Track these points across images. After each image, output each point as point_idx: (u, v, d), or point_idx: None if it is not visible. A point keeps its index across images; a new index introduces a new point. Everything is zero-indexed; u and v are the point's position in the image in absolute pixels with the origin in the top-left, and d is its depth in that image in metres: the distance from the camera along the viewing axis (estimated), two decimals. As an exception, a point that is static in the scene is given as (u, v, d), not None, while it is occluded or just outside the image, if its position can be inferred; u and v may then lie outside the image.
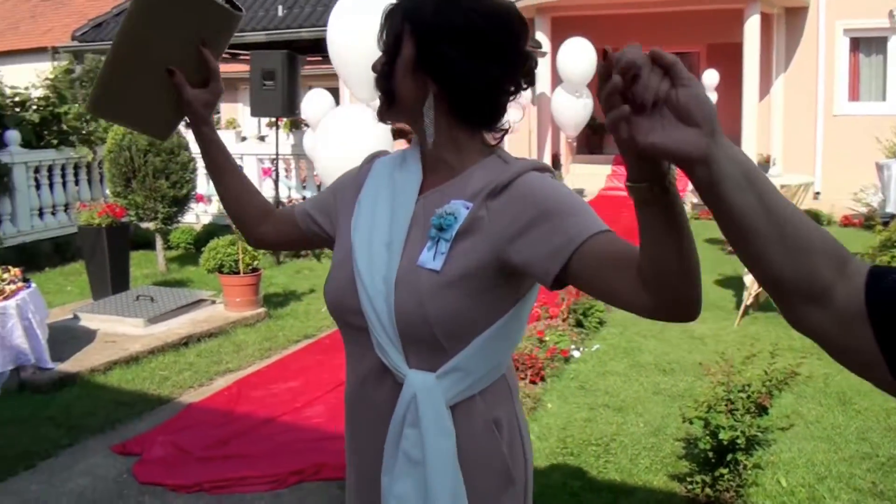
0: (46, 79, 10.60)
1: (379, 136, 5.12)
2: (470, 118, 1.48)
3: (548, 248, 1.35)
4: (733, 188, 0.93)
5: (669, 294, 1.20)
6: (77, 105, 9.98)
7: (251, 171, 11.54)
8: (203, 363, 5.79)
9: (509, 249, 1.40)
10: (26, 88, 11.60)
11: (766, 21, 13.35)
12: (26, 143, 9.50)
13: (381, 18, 1.47)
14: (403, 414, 1.47)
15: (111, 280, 7.48)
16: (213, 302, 7.16)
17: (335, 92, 10.44)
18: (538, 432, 4.37)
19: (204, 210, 11.20)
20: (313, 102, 9.99)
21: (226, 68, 21.68)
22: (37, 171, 9.54)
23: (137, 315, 6.56)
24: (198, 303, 7.08)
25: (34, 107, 11.12)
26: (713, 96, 13.75)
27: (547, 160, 15.19)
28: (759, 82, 13.16)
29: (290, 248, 1.28)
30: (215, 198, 10.04)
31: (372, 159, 1.68)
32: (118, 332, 6.36)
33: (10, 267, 5.87)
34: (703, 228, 6.62)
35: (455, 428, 1.47)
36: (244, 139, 13.03)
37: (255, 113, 9.64)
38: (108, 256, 7.49)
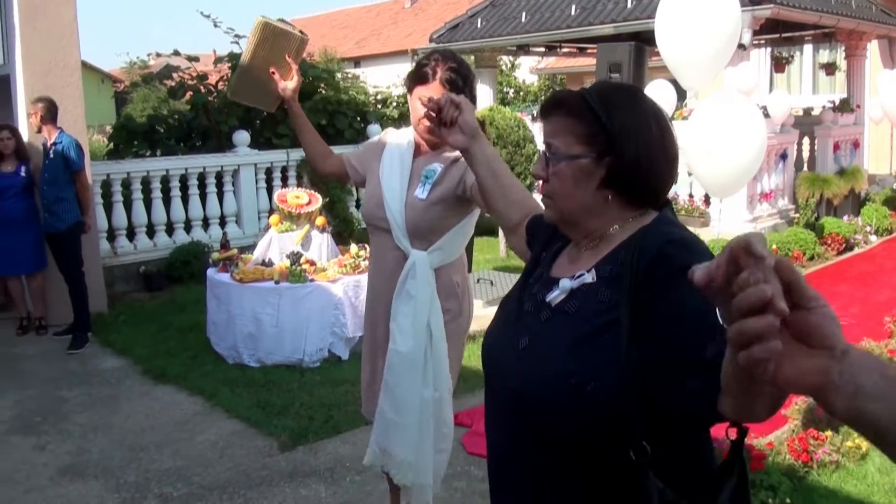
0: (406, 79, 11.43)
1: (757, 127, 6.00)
2: None
3: (469, 182, 2.73)
4: (481, 167, 1.91)
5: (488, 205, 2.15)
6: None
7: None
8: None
9: (458, 186, 2.81)
10: (388, 88, 12.61)
11: None
12: (385, 136, 10.27)
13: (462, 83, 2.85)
14: (408, 271, 2.88)
15: (454, 263, 7.77)
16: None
17: (676, 83, 10.03)
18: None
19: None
20: (652, 94, 9.71)
21: (573, 63, 21.94)
22: (392, 160, 10.25)
23: (477, 296, 6.72)
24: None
25: (393, 104, 12.07)
26: None
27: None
28: None
29: (336, 179, 3.57)
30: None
31: (386, 134, 3.15)
32: (458, 311, 6.61)
33: (366, 245, 6.36)
34: None
35: (436, 282, 2.91)
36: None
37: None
38: (452, 241, 7.80)
